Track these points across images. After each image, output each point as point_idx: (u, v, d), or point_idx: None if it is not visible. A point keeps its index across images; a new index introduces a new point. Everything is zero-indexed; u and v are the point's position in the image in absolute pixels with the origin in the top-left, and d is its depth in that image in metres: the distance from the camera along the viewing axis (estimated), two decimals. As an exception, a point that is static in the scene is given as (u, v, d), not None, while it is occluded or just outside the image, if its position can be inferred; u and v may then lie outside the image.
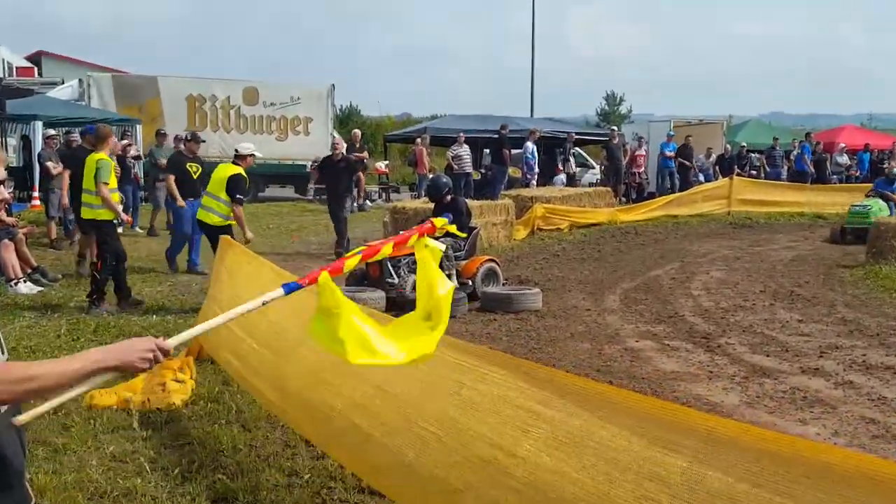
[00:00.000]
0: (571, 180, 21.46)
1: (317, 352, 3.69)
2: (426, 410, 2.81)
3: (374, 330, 2.26)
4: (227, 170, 8.83)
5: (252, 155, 9.13)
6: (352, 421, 3.19)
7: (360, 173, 13.19)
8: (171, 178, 11.01)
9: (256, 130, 22.24)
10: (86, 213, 8.50)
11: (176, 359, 5.95)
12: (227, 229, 8.29)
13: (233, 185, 8.66)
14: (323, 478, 4.19)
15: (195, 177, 10.80)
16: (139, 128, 19.39)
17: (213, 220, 8.67)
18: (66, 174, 11.00)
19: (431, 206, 10.50)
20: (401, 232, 9.70)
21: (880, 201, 15.17)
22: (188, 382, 5.57)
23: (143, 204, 15.78)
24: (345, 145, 15.01)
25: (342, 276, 10.07)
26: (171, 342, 1.97)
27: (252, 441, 4.71)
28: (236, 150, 9.23)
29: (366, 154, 21.02)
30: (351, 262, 2.40)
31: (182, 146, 12.12)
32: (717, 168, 22.43)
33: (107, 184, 8.20)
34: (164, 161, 14.93)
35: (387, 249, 2.49)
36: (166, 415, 5.13)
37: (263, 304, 2.19)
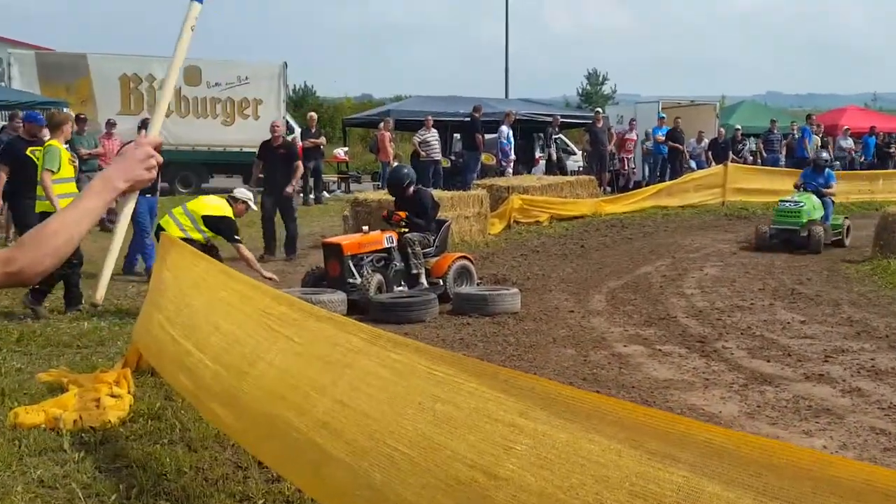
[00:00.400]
0: (557, 166, 21.42)
1: (275, 366, 3.66)
2: (395, 427, 2.80)
3: None
4: (218, 209, 8.76)
5: (246, 203, 9.15)
6: (311, 440, 3.18)
7: (299, 162, 12.73)
8: None
9: (199, 114, 22.04)
10: (39, 206, 8.44)
11: (111, 371, 5.89)
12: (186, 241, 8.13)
13: (224, 227, 8.68)
14: (279, 503, 4.18)
15: None
16: (66, 111, 19.11)
17: (176, 232, 8.42)
18: (3, 171, 10.80)
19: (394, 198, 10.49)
20: (365, 229, 9.48)
21: (814, 197, 13.96)
22: (125, 398, 5.51)
23: (71, 198, 15.58)
24: (284, 129, 14.43)
25: (300, 275, 10.04)
26: (153, 134, 2.17)
27: (199, 463, 4.68)
28: (232, 192, 9.25)
29: (323, 140, 20.95)
30: None
31: (114, 131, 11.97)
32: (709, 154, 22.62)
33: (50, 171, 8.12)
34: (84, 150, 14.74)
35: None
36: (101, 434, 5.07)
37: (192, 29, 2.39)
